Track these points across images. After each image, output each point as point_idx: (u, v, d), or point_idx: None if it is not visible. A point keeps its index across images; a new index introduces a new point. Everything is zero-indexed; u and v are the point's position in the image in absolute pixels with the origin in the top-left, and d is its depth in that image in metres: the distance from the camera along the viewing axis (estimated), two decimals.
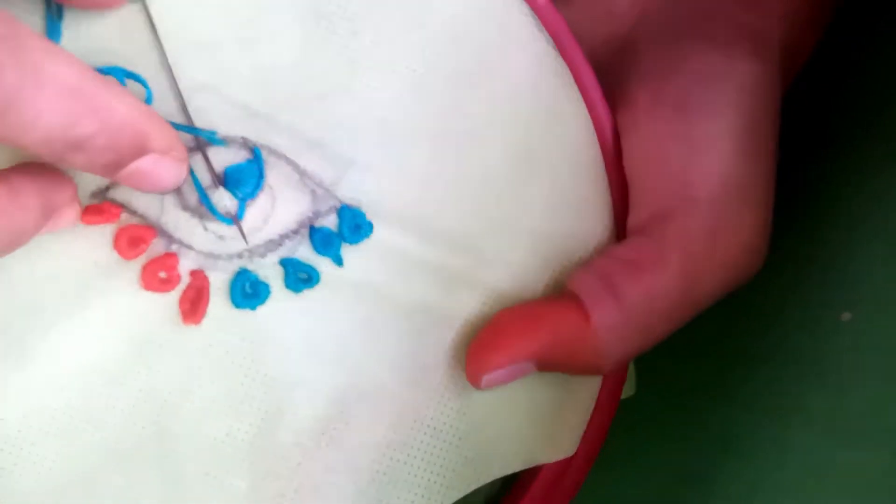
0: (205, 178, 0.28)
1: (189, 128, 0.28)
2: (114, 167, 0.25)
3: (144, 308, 0.28)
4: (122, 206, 0.27)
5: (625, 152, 0.30)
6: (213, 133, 0.28)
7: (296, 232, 0.28)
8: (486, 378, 0.29)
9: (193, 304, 0.28)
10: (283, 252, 0.28)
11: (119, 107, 0.24)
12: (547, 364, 0.29)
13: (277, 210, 0.28)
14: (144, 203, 0.28)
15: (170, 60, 0.27)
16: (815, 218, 0.36)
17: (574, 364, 0.29)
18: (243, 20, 0.28)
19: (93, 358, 0.28)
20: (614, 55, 0.32)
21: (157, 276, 0.28)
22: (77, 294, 0.28)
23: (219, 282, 0.28)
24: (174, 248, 0.28)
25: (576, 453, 0.31)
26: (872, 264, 0.34)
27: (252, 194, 0.28)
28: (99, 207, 0.27)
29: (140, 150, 0.25)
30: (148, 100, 0.27)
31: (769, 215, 0.30)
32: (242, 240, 0.28)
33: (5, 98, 0.22)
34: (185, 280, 0.28)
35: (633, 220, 0.30)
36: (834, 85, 0.37)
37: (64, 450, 0.28)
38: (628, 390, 0.35)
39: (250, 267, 0.28)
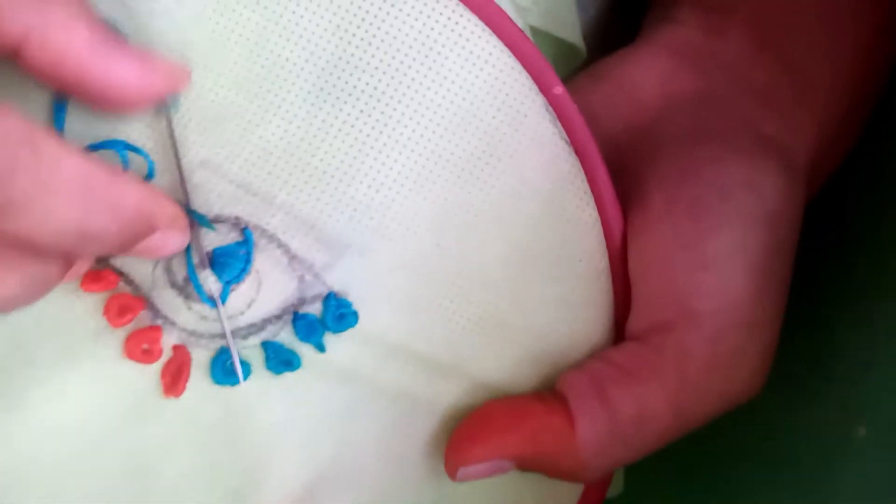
0: (194, 258, 0.28)
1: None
2: (122, 250, 0.25)
3: (129, 376, 0.28)
4: (121, 275, 0.28)
5: (631, 254, 0.29)
6: (205, 217, 0.27)
7: (279, 317, 0.28)
8: (461, 471, 0.28)
9: (174, 378, 0.28)
10: (264, 335, 0.28)
11: (128, 197, 0.24)
12: (526, 465, 0.28)
13: (262, 295, 0.28)
14: (140, 276, 0.28)
15: (175, 134, 0.27)
16: (833, 324, 0.34)
17: (554, 469, 0.28)
18: (251, 95, 0.27)
19: (79, 417, 0.28)
20: (634, 145, 0.31)
21: (141, 347, 0.28)
22: (67, 354, 0.28)
23: (201, 358, 0.28)
24: (159, 321, 0.28)
25: None
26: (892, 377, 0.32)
27: (237, 279, 0.28)
28: (99, 274, 0.27)
29: (148, 231, 0.25)
30: (150, 174, 0.27)
31: (774, 342, 0.28)
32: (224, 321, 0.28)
33: (21, 202, 0.22)
34: (168, 354, 0.28)
35: (633, 325, 0.29)
36: (856, 187, 0.34)
37: (44, 501, 0.28)
38: (616, 488, 0.34)
39: (231, 347, 0.28)
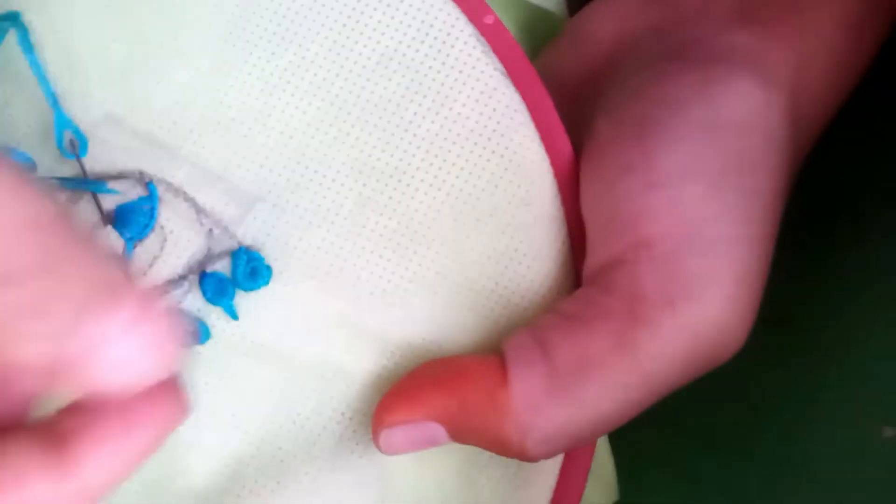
0: (95, 219, 0.26)
1: (77, 180, 0.26)
2: None
3: None
4: None
5: (582, 190, 0.25)
6: (104, 184, 0.26)
7: (184, 277, 0.25)
8: (384, 435, 0.24)
9: None
10: (170, 301, 0.26)
11: None
12: (459, 432, 0.24)
13: (167, 252, 0.26)
14: None
15: (79, 91, 0.26)
16: (862, 320, 0.28)
17: (487, 437, 0.23)
18: (156, 45, 0.26)
19: None
20: (591, 89, 0.27)
21: None
22: None
23: None
24: None
25: None
26: None
27: (141, 234, 0.25)
28: None
29: None
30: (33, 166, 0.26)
31: (755, 267, 0.23)
32: None
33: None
34: None
35: (587, 268, 0.25)
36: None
37: None
38: (607, 496, 0.29)
39: None
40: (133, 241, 0.26)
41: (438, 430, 0.24)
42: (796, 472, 0.28)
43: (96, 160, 0.26)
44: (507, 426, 0.23)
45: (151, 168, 0.26)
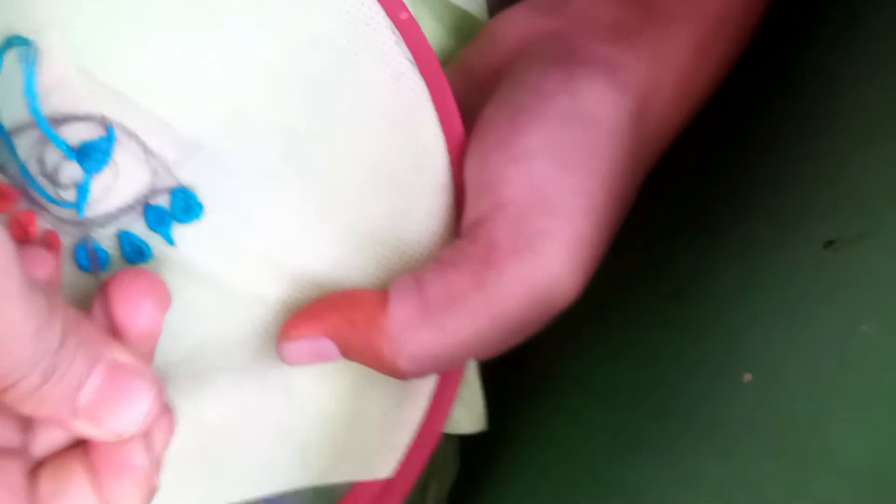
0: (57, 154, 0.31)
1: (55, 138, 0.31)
2: None
3: None
4: None
5: (465, 162, 0.31)
6: (64, 143, 0.31)
7: (132, 207, 0.31)
8: (286, 347, 0.30)
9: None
10: (120, 225, 0.31)
11: None
12: (347, 349, 0.29)
13: (118, 184, 0.31)
14: (10, 166, 0.31)
15: (54, 45, 0.31)
16: (716, 264, 0.34)
17: (368, 352, 0.29)
18: (117, 5, 0.31)
19: None
20: (491, 83, 0.32)
21: (19, 229, 0.31)
22: None
23: (67, 246, 0.31)
24: (34, 208, 0.31)
25: (394, 476, 0.31)
26: (776, 321, 0.31)
27: (97, 168, 0.31)
28: None
29: None
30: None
31: (590, 241, 0.29)
32: (85, 210, 0.31)
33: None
34: (42, 239, 0.31)
35: (462, 225, 0.30)
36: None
37: None
38: (476, 424, 0.34)
39: (94, 236, 0.31)
40: (91, 173, 0.31)
41: (330, 346, 0.29)
42: (665, 412, 0.33)
43: (65, 104, 0.31)
44: (383, 345, 0.29)
45: (112, 114, 0.31)
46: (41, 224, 0.31)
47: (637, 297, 0.37)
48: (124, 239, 0.31)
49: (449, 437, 0.40)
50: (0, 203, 0.31)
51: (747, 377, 0.31)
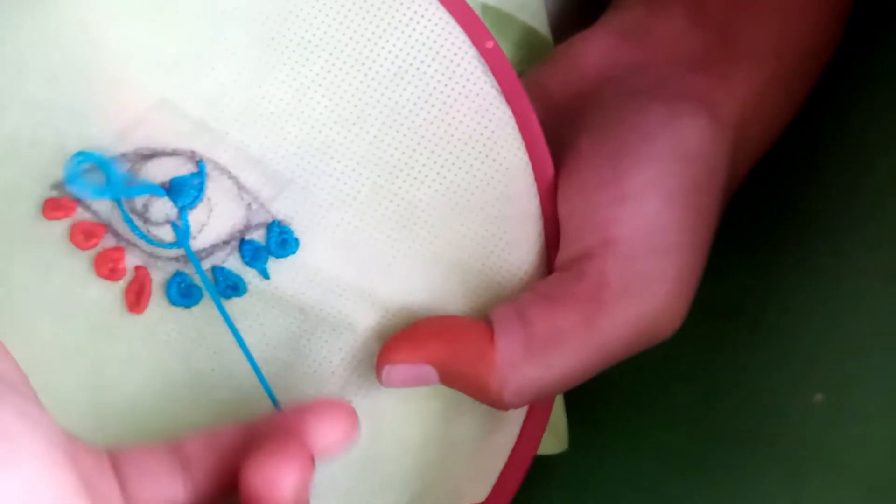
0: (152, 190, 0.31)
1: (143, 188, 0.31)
2: None
3: (96, 293, 0.31)
4: (79, 202, 0.31)
5: (560, 196, 0.31)
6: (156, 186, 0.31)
7: (227, 243, 0.31)
8: (386, 370, 0.30)
9: (137, 296, 0.31)
10: (214, 261, 0.31)
11: None
12: (448, 376, 0.30)
13: (213, 221, 0.31)
14: (97, 202, 0.31)
15: (135, 78, 0.31)
16: (786, 289, 0.35)
17: (473, 383, 0.30)
18: (205, 42, 0.31)
19: (52, 331, 0.31)
20: (575, 109, 0.33)
21: (107, 266, 0.31)
22: (40, 273, 0.31)
23: (158, 280, 0.31)
24: (122, 244, 0.31)
25: (485, 502, 0.32)
26: (846, 344, 0.32)
27: (192, 204, 0.31)
28: (58, 202, 0.31)
29: None
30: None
31: (694, 272, 0.30)
32: (181, 246, 0.31)
33: None
34: (131, 274, 0.31)
35: (560, 259, 0.31)
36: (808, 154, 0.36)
37: None
38: (558, 445, 0.35)
39: (186, 270, 0.31)
40: (185, 209, 0.31)
41: (431, 373, 0.30)
42: (739, 437, 0.34)
43: (152, 139, 0.31)
44: (490, 377, 0.29)
45: (200, 149, 0.31)
46: (130, 260, 0.31)
47: (695, 316, 0.38)
48: (219, 274, 0.31)
49: None
50: (84, 241, 0.31)
51: (818, 398, 0.32)
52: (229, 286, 0.31)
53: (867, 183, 0.33)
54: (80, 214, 0.31)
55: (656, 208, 0.29)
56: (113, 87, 0.31)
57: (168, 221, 0.31)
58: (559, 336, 0.29)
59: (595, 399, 0.38)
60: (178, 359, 0.31)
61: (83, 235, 0.31)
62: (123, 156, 0.31)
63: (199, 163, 0.31)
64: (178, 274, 0.31)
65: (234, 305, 0.31)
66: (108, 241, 0.31)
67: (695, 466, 0.34)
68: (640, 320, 0.29)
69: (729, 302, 0.37)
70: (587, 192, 0.30)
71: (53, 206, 0.31)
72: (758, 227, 0.37)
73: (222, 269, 0.31)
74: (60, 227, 0.31)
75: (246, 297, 0.31)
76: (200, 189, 0.31)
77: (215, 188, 0.31)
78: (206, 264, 0.31)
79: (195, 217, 0.31)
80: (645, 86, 0.32)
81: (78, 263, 0.31)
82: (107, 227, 0.31)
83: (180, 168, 0.31)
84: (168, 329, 0.31)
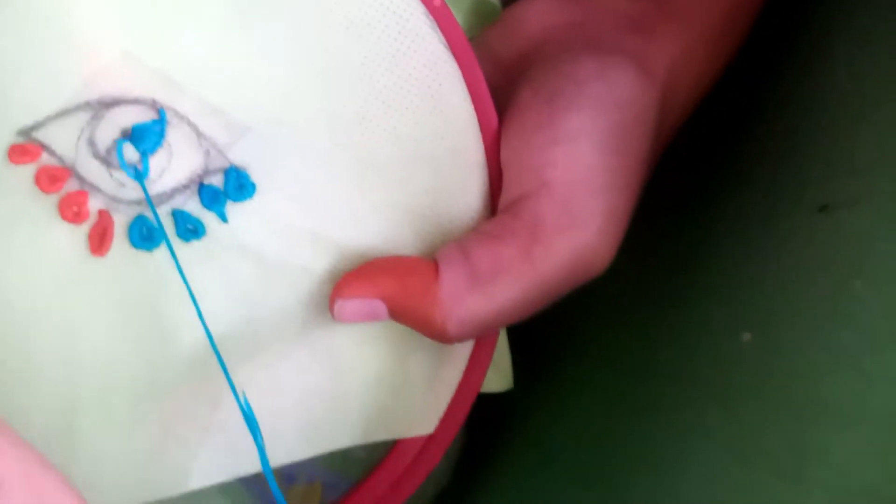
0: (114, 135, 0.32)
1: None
2: None
3: (61, 237, 0.32)
4: (44, 147, 0.32)
5: (502, 142, 0.33)
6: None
7: (186, 187, 0.32)
8: (338, 304, 0.32)
9: (101, 238, 0.32)
10: (174, 204, 0.32)
11: None
12: (397, 310, 0.32)
13: (173, 165, 0.32)
14: (62, 147, 0.32)
15: (99, 31, 0.32)
16: (716, 235, 0.37)
17: (419, 317, 0.31)
18: (170, 4, 0.32)
19: (19, 279, 0.32)
20: (518, 67, 0.35)
21: (72, 209, 0.32)
22: (6, 219, 0.32)
23: (120, 224, 0.32)
24: (85, 188, 0.32)
25: (434, 433, 0.34)
26: (773, 283, 0.34)
27: (152, 149, 0.32)
28: (24, 147, 0.32)
29: None
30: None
31: (623, 210, 0.32)
32: (141, 189, 0.32)
33: None
34: (94, 218, 0.32)
35: (502, 202, 0.33)
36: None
37: None
38: (504, 384, 0.37)
39: (147, 214, 0.32)
40: (146, 154, 0.32)
41: (381, 308, 0.32)
42: (667, 375, 0.36)
43: (116, 88, 0.32)
44: (435, 310, 0.31)
45: (162, 98, 0.32)
46: (93, 204, 0.32)
47: (640, 271, 0.40)
48: (179, 217, 0.32)
49: None
50: (49, 184, 0.32)
51: (747, 336, 0.34)
52: (189, 229, 0.32)
53: (796, 122, 0.35)
54: (46, 159, 0.32)
55: (587, 150, 0.31)
56: (78, 39, 0.32)
57: (131, 165, 0.32)
58: (499, 269, 0.31)
59: (537, 341, 0.40)
60: (144, 301, 0.32)
61: (48, 179, 0.32)
62: (87, 104, 0.32)
63: (160, 111, 0.32)
64: (139, 217, 0.32)
65: (194, 250, 0.33)
66: (71, 185, 0.32)
67: (635, 405, 0.36)
68: (573, 253, 0.31)
69: (668, 251, 0.39)
70: (525, 135, 0.32)
71: (20, 152, 0.32)
72: (690, 176, 0.39)
73: (182, 211, 0.32)
74: (27, 171, 0.32)
75: (206, 241, 0.33)
76: (161, 135, 0.32)
77: (175, 135, 0.32)
78: (167, 207, 0.32)
79: (156, 162, 0.32)
80: (582, 42, 0.34)
81: (44, 206, 0.32)
82: (70, 171, 0.32)
83: (142, 115, 0.32)
84: (132, 273, 0.32)
